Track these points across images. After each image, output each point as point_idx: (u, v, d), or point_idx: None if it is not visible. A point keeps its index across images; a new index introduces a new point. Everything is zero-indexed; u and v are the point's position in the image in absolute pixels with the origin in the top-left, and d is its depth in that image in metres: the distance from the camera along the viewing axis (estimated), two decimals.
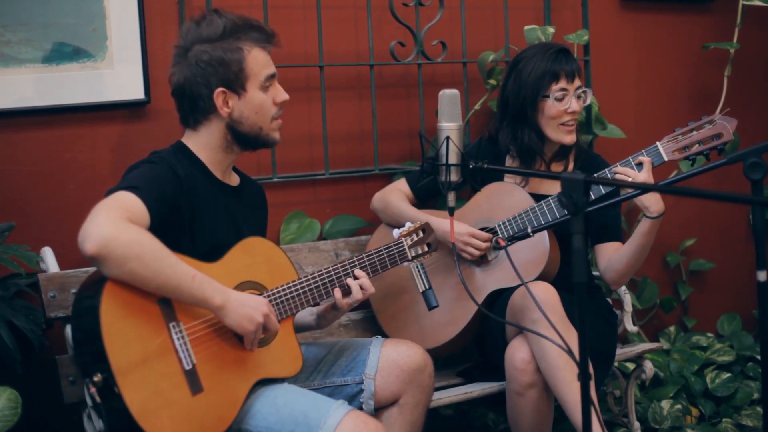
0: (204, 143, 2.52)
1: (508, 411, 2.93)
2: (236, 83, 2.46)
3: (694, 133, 2.89)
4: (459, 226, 3.03)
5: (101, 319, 2.17)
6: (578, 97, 3.07)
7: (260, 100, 2.49)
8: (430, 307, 2.71)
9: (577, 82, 3.07)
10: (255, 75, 2.47)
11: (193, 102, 2.48)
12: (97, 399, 2.18)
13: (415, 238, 2.70)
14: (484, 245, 3.02)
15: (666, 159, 2.91)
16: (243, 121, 2.49)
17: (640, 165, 2.90)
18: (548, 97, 3.04)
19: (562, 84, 3.04)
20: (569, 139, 3.08)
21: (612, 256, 3.03)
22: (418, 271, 2.70)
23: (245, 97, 2.47)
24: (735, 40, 3.97)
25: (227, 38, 2.45)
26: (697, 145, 2.88)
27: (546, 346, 2.75)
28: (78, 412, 2.73)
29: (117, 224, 2.17)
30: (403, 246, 2.68)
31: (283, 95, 2.54)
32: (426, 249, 2.71)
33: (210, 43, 2.44)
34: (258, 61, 2.48)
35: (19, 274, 2.84)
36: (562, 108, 3.04)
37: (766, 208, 1.99)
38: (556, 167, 3.16)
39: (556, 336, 2.25)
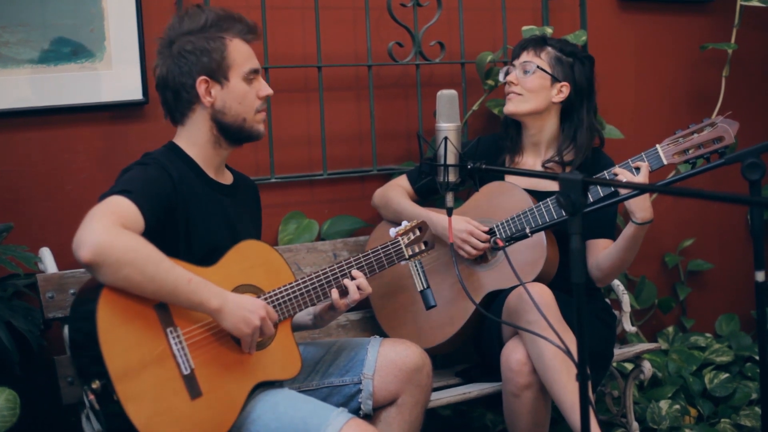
0: (193, 139, 2.52)
1: (504, 412, 2.93)
2: (218, 72, 2.47)
3: (695, 135, 2.86)
4: (459, 222, 3.04)
5: (98, 326, 2.16)
6: (525, 71, 3.12)
7: (243, 91, 2.50)
8: (428, 307, 2.71)
9: (525, 57, 3.14)
10: (238, 65, 2.49)
11: (176, 93, 2.49)
12: (96, 406, 2.18)
13: (412, 237, 2.70)
14: (482, 245, 3.02)
15: (666, 162, 2.89)
16: (226, 111, 2.49)
17: (638, 169, 2.90)
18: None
19: (514, 62, 3.18)
20: (506, 107, 3.17)
21: (599, 255, 3.04)
22: (417, 270, 2.70)
23: (228, 87, 2.48)
24: (733, 40, 3.98)
25: (209, 29, 2.48)
26: (697, 148, 2.85)
27: (542, 347, 2.74)
28: (76, 413, 2.73)
29: (111, 230, 2.17)
30: (400, 245, 2.68)
31: (266, 89, 2.55)
32: (423, 247, 2.71)
33: (193, 35, 2.47)
34: (240, 51, 2.50)
35: (18, 274, 2.84)
36: (507, 80, 3.17)
37: (765, 209, 1.99)
38: (553, 167, 3.17)
39: (552, 336, 2.25)
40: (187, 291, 2.25)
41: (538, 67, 3.09)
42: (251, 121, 2.53)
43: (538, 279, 2.95)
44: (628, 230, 2.91)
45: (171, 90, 2.50)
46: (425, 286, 2.70)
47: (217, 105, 2.48)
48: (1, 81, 2.95)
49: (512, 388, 2.85)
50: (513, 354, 2.84)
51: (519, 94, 3.12)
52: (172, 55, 2.48)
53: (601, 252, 3.04)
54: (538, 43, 3.15)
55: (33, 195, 3.05)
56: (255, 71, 2.52)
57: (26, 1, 2.97)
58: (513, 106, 3.13)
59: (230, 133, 2.53)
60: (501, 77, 3.21)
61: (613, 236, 3.10)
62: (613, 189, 2.92)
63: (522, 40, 3.21)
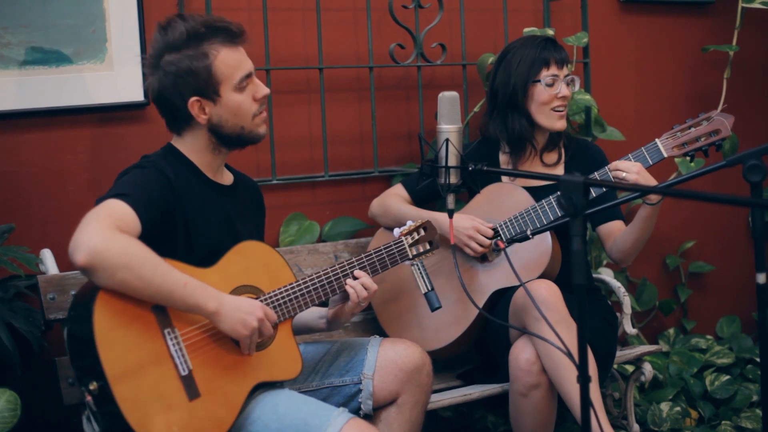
0: (191, 147, 2.51)
1: (510, 412, 2.93)
2: (208, 90, 2.41)
3: (692, 129, 2.92)
4: (463, 219, 3.03)
5: (95, 327, 2.16)
6: (567, 84, 3.10)
7: (237, 102, 2.45)
8: (433, 309, 2.70)
9: (566, 70, 3.11)
10: (227, 78, 2.42)
11: (172, 111, 2.46)
12: (94, 407, 2.17)
13: (416, 237, 2.69)
14: (487, 242, 3.02)
15: (665, 155, 2.93)
16: (223, 124, 2.46)
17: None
18: (539, 82, 3.07)
19: (553, 70, 3.08)
20: (560, 124, 3.11)
21: (617, 237, 3.04)
22: (420, 272, 2.69)
23: (221, 102, 2.43)
24: (734, 42, 3.98)
25: (191, 44, 2.40)
26: (695, 142, 2.91)
27: (550, 345, 2.74)
28: (77, 414, 2.73)
29: (106, 234, 2.16)
30: (404, 245, 2.67)
31: (263, 90, 2.49)
32: (428, 247, 2.70)
33: (176, 52, 2.39)
34: (227, 62, 2.42)
35: (19, 275, 2.84)
36: (553, 93, 3.07)
37: (766, 211, 1.99)
38: (548, 157, 3.17)
39: (556, 337, 2.25)
40: (183, 294, 2.25)
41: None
42: (250, 127, 2.49)
43: (541, 277, 2.95)
44: (643, 212, 2.90)
45: (167, 107, 2.46)
46: (429, 289, 2.69)
47: (214, 120, 2.45)
48: (2, 82, 2.96)
49: (520, 387, 2.84)
50: (522, 353, 2.84)
51: (566, 107, 3.11)
52: (162, 74, 2.41)
53: (618, 234, 3.04)
54: (560, 47, 3.12)
55: (34, 196, 3.05)
56: (247, 76, 2.46)
57: (28, 2, 2.98)
58: (565, 121, 3.12)
59: (230, 141, 2.50)
60: (550, 89, 3.06)
61: (622, 216, 3.12)
62: (612, 180, 2.94)
63: (548, 45, 3.09)
